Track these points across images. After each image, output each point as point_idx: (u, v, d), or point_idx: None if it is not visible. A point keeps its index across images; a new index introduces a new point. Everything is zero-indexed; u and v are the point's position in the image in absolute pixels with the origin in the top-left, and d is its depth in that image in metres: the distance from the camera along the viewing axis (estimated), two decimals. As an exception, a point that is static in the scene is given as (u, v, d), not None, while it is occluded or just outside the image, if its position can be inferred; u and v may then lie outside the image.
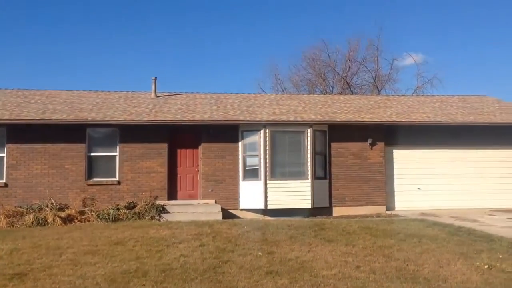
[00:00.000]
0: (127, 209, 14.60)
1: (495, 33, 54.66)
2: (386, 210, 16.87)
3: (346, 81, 37.25)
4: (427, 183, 17.37)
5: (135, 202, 15.21)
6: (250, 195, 16.16)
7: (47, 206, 14.41)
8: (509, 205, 17.42)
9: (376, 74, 37.54)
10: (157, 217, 14.30)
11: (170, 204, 15.34)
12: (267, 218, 15.50)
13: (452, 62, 55.12)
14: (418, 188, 17.34)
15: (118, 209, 14.49)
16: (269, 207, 15.90)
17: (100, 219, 13.89)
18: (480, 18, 55.10)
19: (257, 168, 16.18)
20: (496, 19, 55.02)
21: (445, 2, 55.19)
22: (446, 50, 55.74)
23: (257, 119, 16.46)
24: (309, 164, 16.26)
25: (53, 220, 13.50)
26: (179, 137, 16.41)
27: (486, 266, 7.79)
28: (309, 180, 16.19)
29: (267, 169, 16.04)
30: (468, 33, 55.75)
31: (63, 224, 13.43)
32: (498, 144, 17.91)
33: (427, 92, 35.80)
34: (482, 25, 54.75)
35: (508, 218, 14.37)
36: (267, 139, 16.15)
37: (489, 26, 54.88)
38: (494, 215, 15.27)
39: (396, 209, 17.13)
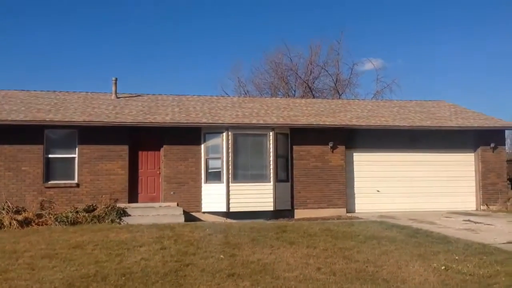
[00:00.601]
0: (87, 212, 14.34)
1: (453, 41, 56.22)
2: (347, 212, 17.09)
3: (308, 85, 37.59)
4: (386, 185, 17.68)
5: (94, 205, 14.96)
6: (212, 197, 16.10)
7: (3, 209, 14.02)
8: (465, 207, 17.97)
9: (337, 78, 37.99)
10: (118, 220, 14.10)
11: (131, 207, 15.14)
12: (229, 220, 15.48)
13: (410, 68, 56.44)
14: (378, 191, 17.64)
15: (77, 212, 14.23)
16: (231, 209, 15.87)
17: (59, 223, 13.61)
18: (437, 25, 56.58)
19: (220, 171, 16.14)
20: (453, 27, 56.63)
21: (403, 9, 56.38)
22: (405, 56, 57.00)
23: (220, 122, 16.43)
24: (271, 166, 16.33)
25: (10, 223, 13.14)
26: (141, 139, 16.22)
27: (443, 268, 7.97)
28: (271, 183, 16.25)
29: (230, 172, 16.02)
30: (426, 40, 57.15)
31: (20, 228, 13.09)
32: (455, 147, 18.41)
33: (386, 97, 36.45)
34: (439, 32, 56.20)
35: (463, 220, 14.76)
36: (230, 142, 16.12)
37: (447, 33, 56.40)
38: (450, 217, 15.66)
39: (356, 211, 17.37)
